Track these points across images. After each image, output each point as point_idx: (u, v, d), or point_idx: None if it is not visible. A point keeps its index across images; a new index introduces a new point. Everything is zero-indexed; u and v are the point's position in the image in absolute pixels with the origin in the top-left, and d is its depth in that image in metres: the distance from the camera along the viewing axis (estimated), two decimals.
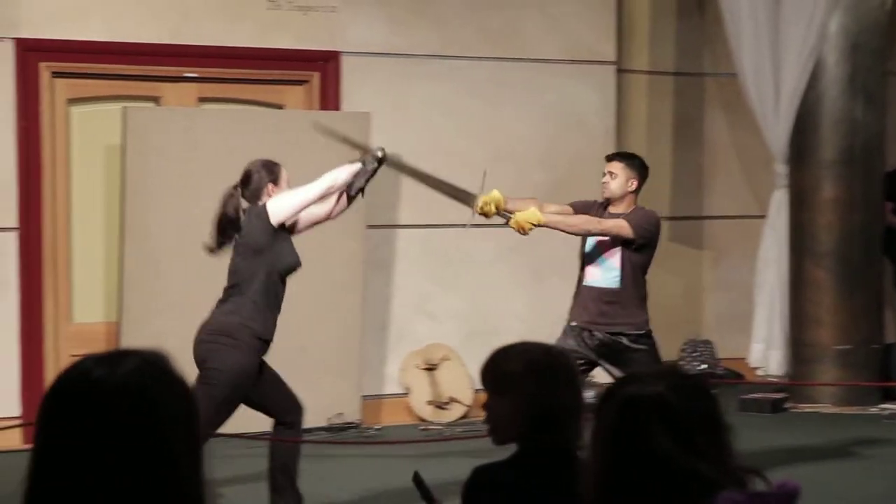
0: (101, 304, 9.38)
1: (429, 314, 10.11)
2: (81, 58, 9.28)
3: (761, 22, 10.67)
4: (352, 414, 9.62)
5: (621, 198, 7.73)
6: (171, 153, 9.07)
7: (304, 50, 9.81)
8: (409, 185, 10.01)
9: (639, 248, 7.64)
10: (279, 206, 6.73)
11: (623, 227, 7.55)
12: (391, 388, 9.95)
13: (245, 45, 9.63)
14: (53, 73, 9.23)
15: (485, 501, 3.35)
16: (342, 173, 6.94)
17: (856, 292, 10.56)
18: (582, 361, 7.43)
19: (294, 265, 6.84)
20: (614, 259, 7.67)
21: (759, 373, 10.91)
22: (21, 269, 9.05)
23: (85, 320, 9.39)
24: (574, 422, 3.31)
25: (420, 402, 9.87)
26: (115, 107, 9.17)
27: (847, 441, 9.17)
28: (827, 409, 10.51)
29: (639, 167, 7.86)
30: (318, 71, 9.91)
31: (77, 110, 9.40)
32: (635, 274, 7.71)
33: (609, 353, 7.60)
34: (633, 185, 7.78)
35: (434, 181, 7.62)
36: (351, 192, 6.98)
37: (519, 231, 7.52)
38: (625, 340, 7.61)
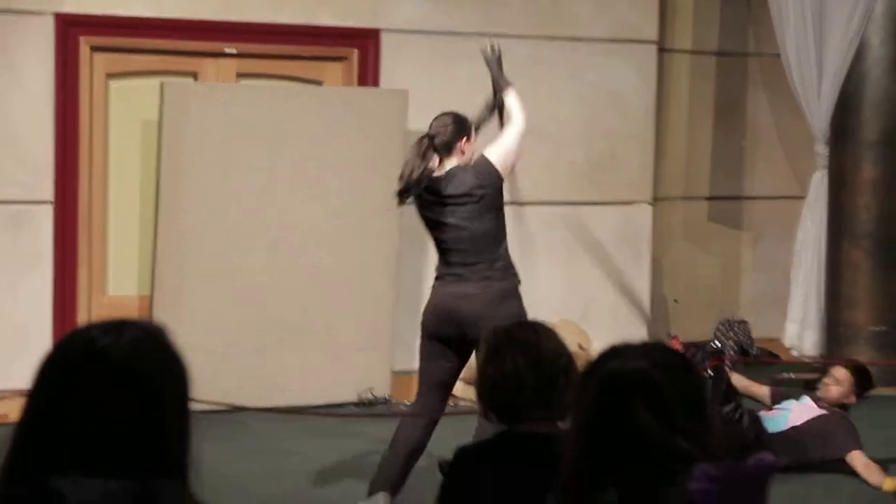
0: (135, 278, 9.42)
1: None
2: (121, 32, 9.25)
3: (806, 2, 10.57)
4: (382, 389, 9.59)
5: None
6: (209, 129, 9.07)
7: (344, 27, 9.78)
8: None
9: None
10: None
11: None
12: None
13: (285, 22, 9.61)
14: (93, 47, 9.20)
15: (467, 481, 3.34)
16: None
17: (892, 273, 10.37)
18: None
19: None
20: None
21: (794, 353, 10.85)
22: (56, 241, 9.06)
23: (119, 293, 9.42)
24: (556, 399, 3.31)
25: None
26: (154, 82, 9.15)
27: (877, 422, 9.09)
28: None
29: None
30: (358, 48, 9.89)
31: (116, 85, 9.39)
32: None
33: None
34: None
35: None
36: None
37: None
38: None
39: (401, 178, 6.54)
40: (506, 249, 6.64)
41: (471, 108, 10.07)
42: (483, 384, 3.44)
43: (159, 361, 2.02)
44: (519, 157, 6.74)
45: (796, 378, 10.31)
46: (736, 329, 11.30)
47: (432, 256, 10.09)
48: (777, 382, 10.18)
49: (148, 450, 1.97)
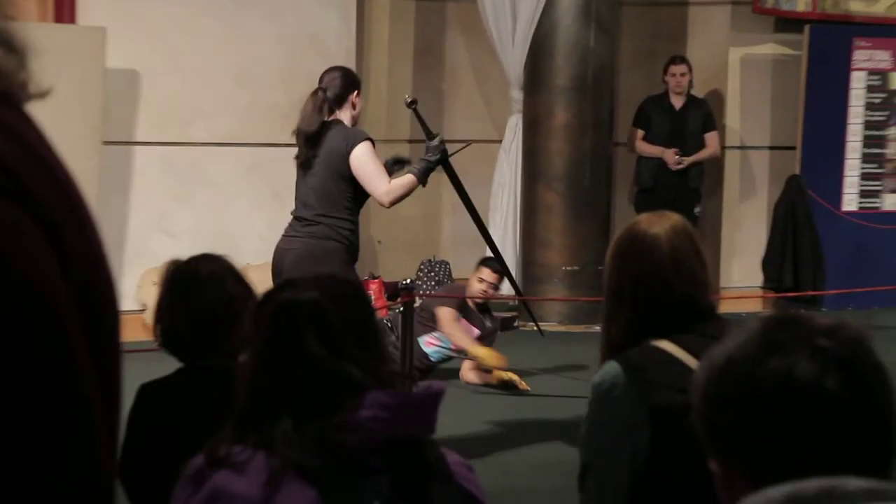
0: None
1: (166, 232, 9.87)
2: None
3: None
4: None
5: None
6: None
7: None
8: (146, 101, 9.79)
9: None
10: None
11: None
12: (128, 304, 9.72)
13: None
14: None
15: (150, 417, 3.31)
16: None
17: (584, 215, 10.67)
18: None
19: None
20: None
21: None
22: None
23: None
24: (231, 332, 3.29)
25: None
26: None
27: (568, 356, 9.34)
28: (553, 326, 10.35)
29: None
30: None
31: None
32: None
33: None
34: None
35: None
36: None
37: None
38: None
39: (298, 133, 6.35)
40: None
41: (167, 46, 9.81)
42: (162, 320, 3.42)
43: None
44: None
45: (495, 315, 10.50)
46: (437, 269, 11.42)
47: (134, 199, 9.88)
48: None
49: None
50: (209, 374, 3.26)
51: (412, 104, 6.92)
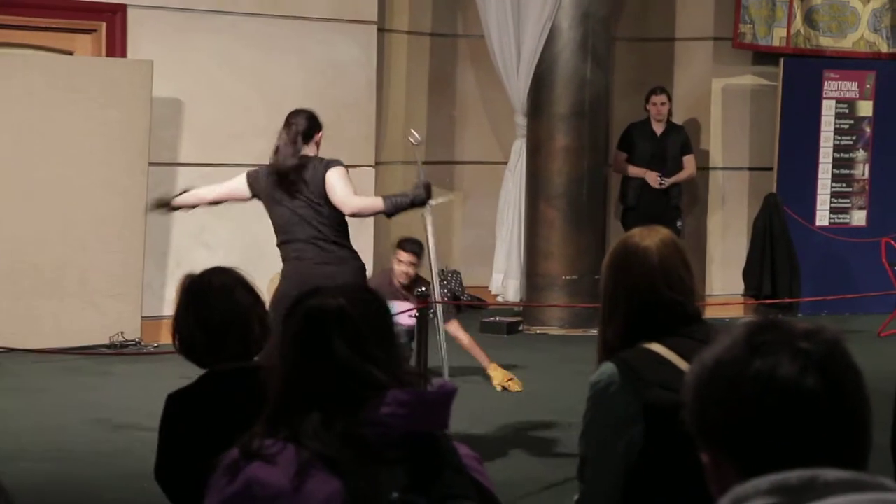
0: None
1: (205, 244, 9.89)
2: None
3: None
4: (133, 333, 9.42)
5: None
6: None
7: (93, 1, 9.49)
8: (188, 126, 9.80)
9: None
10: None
11: None
12: (170, 310, 9.72)
13: None
14: None
15: (181, 425, 3.25)
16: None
17: (582, 230, 10.68)
18: None
19: None
20: None
21: (499, 299, 10.99)
22: None
23: None
24: (250, 336, 3.25)
25: None
26: None
27: (568, 358, 9.31)
28: (554, 331, 10.50)
29: None
30: (106, 21, 9.60)
31: None
32: None
33: None
34: None
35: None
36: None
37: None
38: None
39: (275, 164, 6.25)
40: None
41: (207, 76, 9.85)
42: (178, 329, 3.35)
43: None
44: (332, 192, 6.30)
45: (500, 321, 10.47)
46: (449, 278, 11.40)
47: (176, 215, 9.85)
48: (484, 326, 10.30)
49: None
50: (227, 378, 3.21)
51: (418, 144, 6.83)
